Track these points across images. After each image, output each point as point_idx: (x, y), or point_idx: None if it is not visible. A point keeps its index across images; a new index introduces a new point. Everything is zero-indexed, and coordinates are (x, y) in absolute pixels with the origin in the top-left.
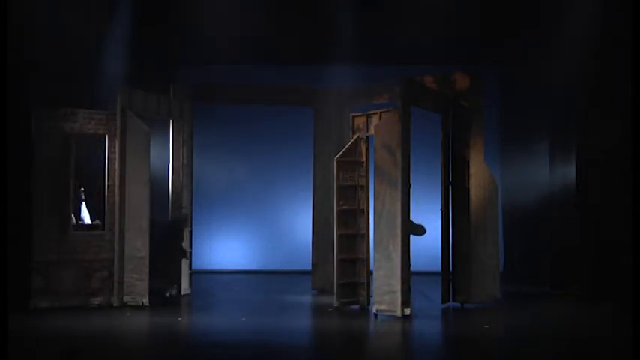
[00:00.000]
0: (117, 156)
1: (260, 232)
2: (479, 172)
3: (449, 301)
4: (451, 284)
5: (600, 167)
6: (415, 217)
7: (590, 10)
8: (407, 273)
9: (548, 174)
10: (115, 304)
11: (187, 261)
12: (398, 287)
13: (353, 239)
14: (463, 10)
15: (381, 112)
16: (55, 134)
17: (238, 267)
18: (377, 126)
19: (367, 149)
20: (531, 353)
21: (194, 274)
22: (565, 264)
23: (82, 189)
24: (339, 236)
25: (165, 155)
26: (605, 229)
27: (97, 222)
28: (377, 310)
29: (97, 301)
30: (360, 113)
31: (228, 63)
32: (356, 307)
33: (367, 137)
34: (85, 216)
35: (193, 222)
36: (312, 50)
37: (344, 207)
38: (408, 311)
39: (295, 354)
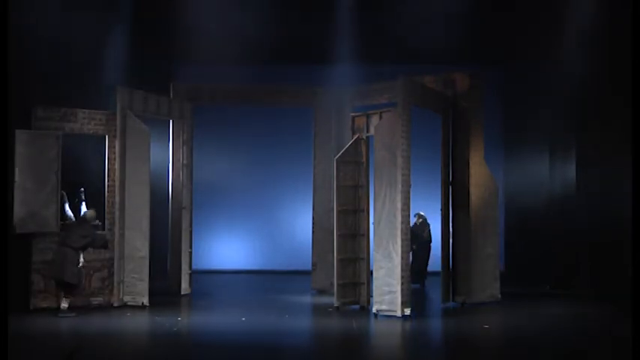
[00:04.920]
0: (117, 156)
1: (260, 232)
2: (479, 172)
3: (449, 301)
4: (451, 284)
5: (600, 167)
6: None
7: (590, 10)
8: (407, 273)
9: (548, 174)
10: (115, 304)
11: (187, 261)
12: (398, 287)
13: (353, 239)
14: (464, 10)
15: (381, 112)
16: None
17: (238, 267)
18: (377, 126)
19: (367, 149)
20: (531, 353)
21: (194, 274)
22: (565, 264)
23: (82, 189)
24: (339, 236)
25: (165, 155)
26: (605, 228)
27: (97, 222)
28: (377, 310)
29: (97, 301)
30: (360, 113)
31: (229, 63)
32: (356, 307)
33: (367, 137)
34: None
35: (193, 222)
36: (312, 50)
37: (344, 207)
38: (408, 311)
39: (295, 354)
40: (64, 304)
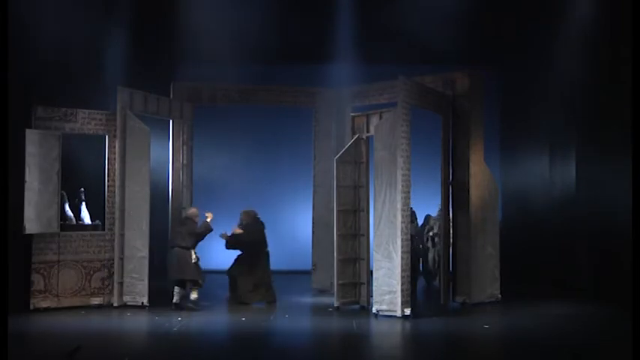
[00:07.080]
0: (117, 156)
1: None
2: (479, 172)
3: (449, 300)
4: (451, 284)
5: (600, 167)
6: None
7: (590, 10)
8: (407, 273)
9: (548, 174)
10: (115, 304)
11: None
12: (398, 287)
13: (353, 239)
14: (464, 9)
15: (381, 112)
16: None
17: None
18: (377, 126)
19: (367, 149)
20: (531, 353)
21: None
22: (565, 264)
23: (82, 189)
24: (339, 236)
25: (165, 155)
26: (605, 228)
27: (97, 222)
28: (377, 310)
29: (97, 301)
30: (360, 113)
31: (229, 63)
32: (356, 307)
33: (367, 137)
34: (85, 216)
35: None
36: (312, 50)
37: (344, 207)
38: (408, 311)
39: (295, 354)
40: (194, 295)
